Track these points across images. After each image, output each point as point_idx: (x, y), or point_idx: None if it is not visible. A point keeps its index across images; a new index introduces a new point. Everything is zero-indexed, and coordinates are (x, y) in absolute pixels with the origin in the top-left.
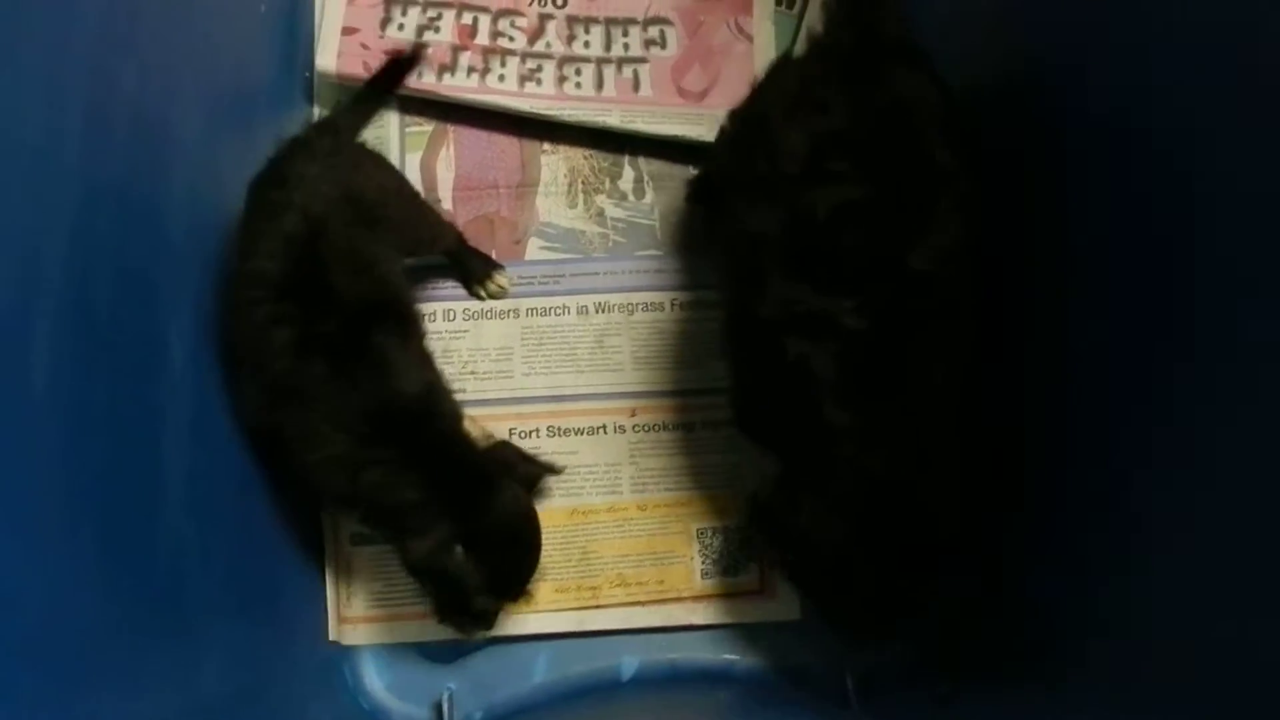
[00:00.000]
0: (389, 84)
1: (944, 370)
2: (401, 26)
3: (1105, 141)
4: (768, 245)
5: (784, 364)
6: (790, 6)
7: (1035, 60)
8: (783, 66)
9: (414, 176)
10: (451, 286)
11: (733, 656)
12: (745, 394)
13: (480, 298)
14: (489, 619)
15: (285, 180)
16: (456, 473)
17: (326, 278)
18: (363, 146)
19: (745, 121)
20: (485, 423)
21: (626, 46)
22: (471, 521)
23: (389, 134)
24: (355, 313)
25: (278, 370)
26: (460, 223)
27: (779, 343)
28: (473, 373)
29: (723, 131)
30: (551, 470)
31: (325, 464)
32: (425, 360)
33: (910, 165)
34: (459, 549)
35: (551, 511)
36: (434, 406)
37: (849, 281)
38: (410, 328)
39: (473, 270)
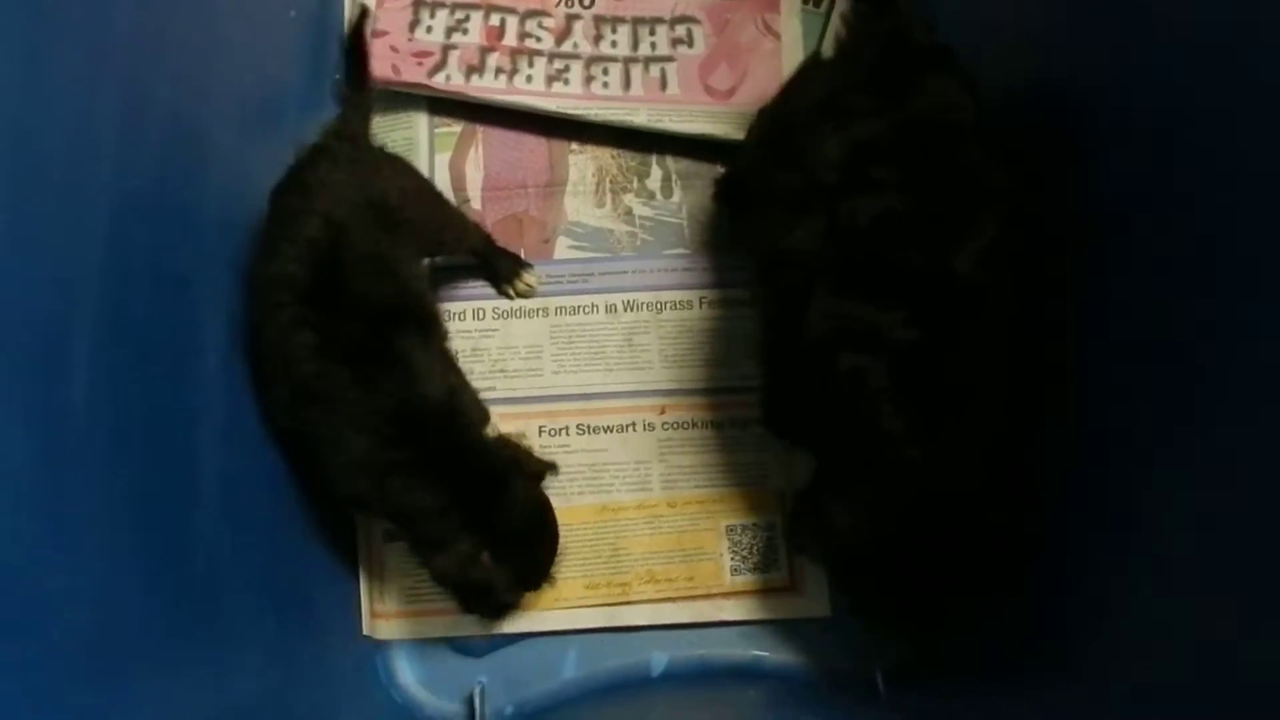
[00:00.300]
0: (360, 76)
1: (994, 374)
2: (430, 29)
3: (1129, 147)
4: (810, 260)
5: (832, 374)
6: (817, 4)
7: (1053, 77)
8: (811, 70)
9: (443, 177)
10: (481, 286)
11: (762, 652)
12: (779, 397)
13: (509, 296)
14: (513, 608)
15: (307, 187)
16: (474, 476)
17: (348, 283)
18: (383, 150)
19: (774, 124)
20: (515, 420)
21: (654, 45)
22: (491, 525)
23: (418, 135)
24: (377, 317)
25: (303, 374)
26: (489, 222)
27: (827, 356)
28: (502, 371)
29: (751, 131)
30: (553, 469)
31: (350, 467)
32: (448, 363)
33: (948, 173)
34: (484, 555)
35: (581, 508)
36: (456, 411)
37: (897, 293)
38: (432, 330)
39: (501, 269)
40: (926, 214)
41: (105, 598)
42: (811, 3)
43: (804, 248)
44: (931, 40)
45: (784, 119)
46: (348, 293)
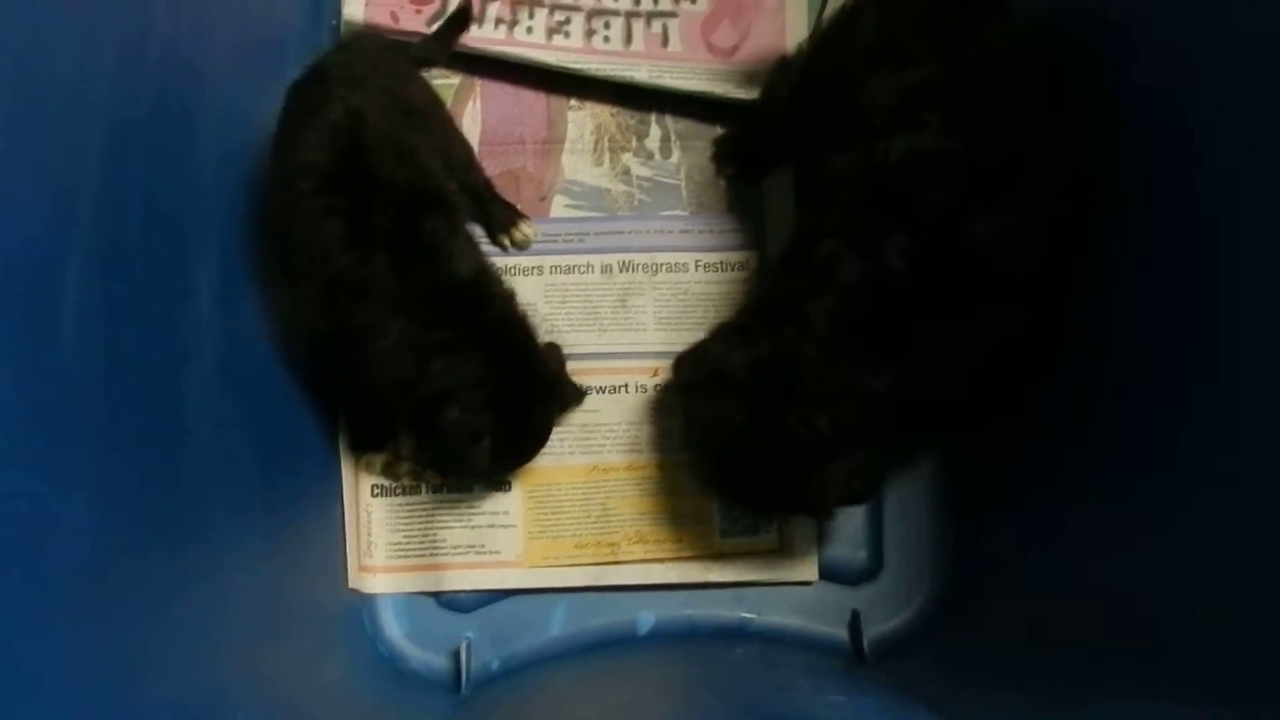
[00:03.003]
0: (444, 46)
1: (969, 338)
2: None
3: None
4: (840, 178)
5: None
6: None
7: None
8: (854, 16)
9: None
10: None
11: (749, 614)
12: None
13: (504, 247)
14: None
15: (325, 75)
16: (515, 364)
17: (372, 168)
18: (409, 62)
19: (812, 75)
20: None
21: (656, 1)
22: (511, 414)
23: None
24: (403, 201)
25: (338, 264)
26: None
27: (833, 252)
28: None
29: (774, 84)
30: (582, 397)
31: (392, 353)
32: (473, 246)
33: (1001, 127)
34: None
35: (572, 468)
36: (488, 288)
37: (909, 222)
38: (455, 217)
39: (496, 217)
40: (965, 164)
41: (96, 535)
42: None
43: (837, 168)
44: None
45: (827, 65)
46: (372, 178)
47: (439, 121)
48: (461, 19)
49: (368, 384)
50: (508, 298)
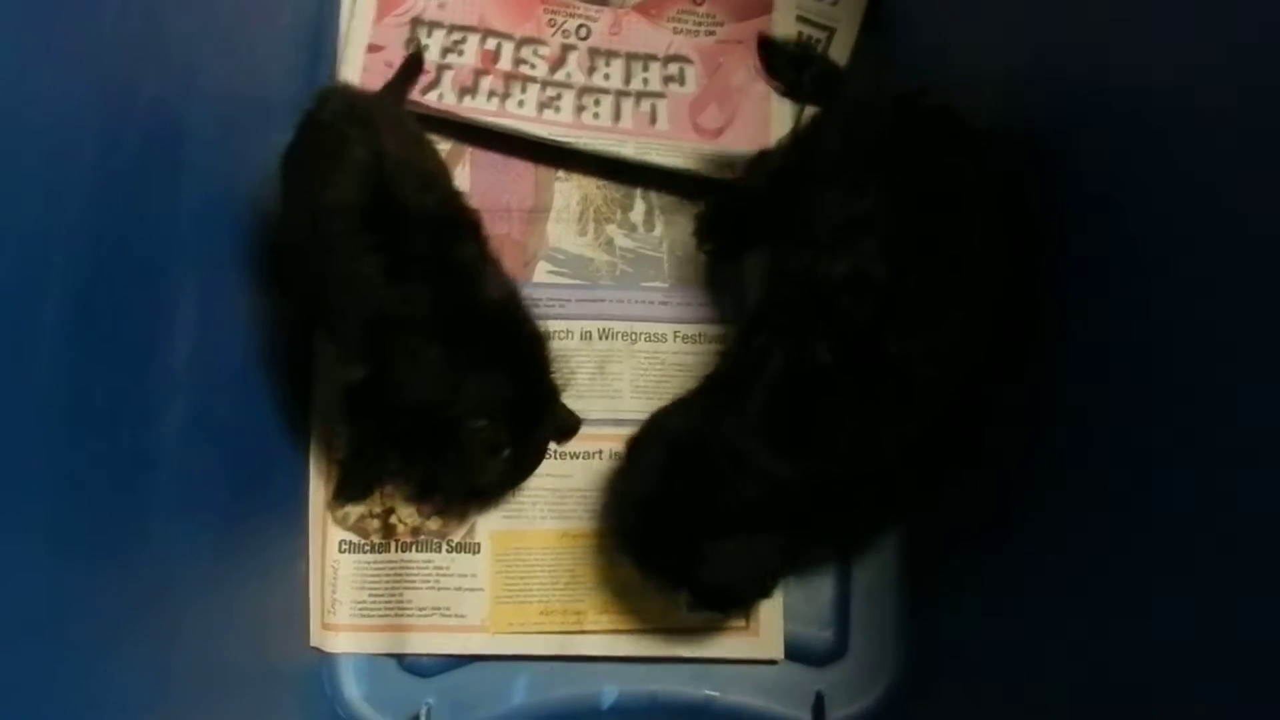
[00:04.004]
0: (399, 92)
1: (882, 443)
2: (426, 47)
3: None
4: (786, 277)
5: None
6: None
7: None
8: (825, 125)
9: None
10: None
11: (713, 692)
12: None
13: None
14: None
15: (329, 122)
16: (533, 387)
17: (401, 198)
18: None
19: (784, 171)
20: None
21: (646, 81)
22: (523, 433)
23: None
24: (435, 229)
25: (381, 299)
26: None
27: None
28: None
29: (752, 174)
30: (578, 425)
31: (428, 378)
32: (500, 268)
33: (931, 260)
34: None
35: (543, 533)
36: (517, 310)
37: (834, 331)
38: (482, 238)
39: None
40: (890, 287)
41: (51, 579)
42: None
43: (785, 272)
44: (945, 107)
45: (796, 166)
46: (404, 209)
47: (440, 162)
48: (412, 67)
49: (399, 410)
50: (534, 320)
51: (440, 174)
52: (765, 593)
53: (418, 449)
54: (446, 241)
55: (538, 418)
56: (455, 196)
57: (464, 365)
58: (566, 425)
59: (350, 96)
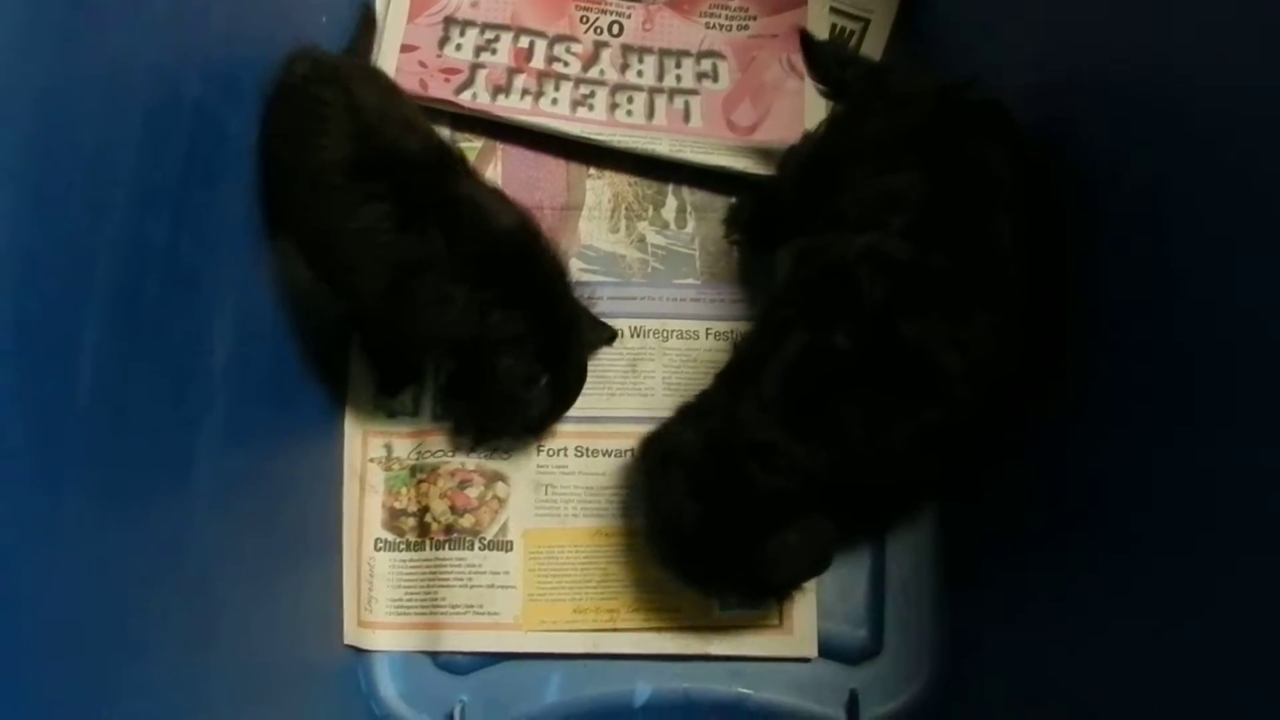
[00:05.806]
0: (362, 50)
1: (902, 431)
2: (459, 46)
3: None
4: (806, 258)
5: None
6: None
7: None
8: (862, 113)
9: None
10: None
11: (746, 690)
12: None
13: None
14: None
15: (299, 87)
16: (558, 314)
17: (391, 144)
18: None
19: (817, 160)
20: None
21: (679, 78)
22: (556, 361)
23: None
24: (428, 168)
25: (395, 246)
26: None
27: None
28: None
29: (785, 167)
30: (614, 335)
31: (456, 316)
32: (502, 193)
33: (958, 244)
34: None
35: (576, 531)
36: (532, 237)
37: (849, 310)
38: (473, 170)
39: None
40: (911, 268)
41: (93, 584)
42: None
43: (806, 253)
44: (981, 97)
45: (830, 154)
46: (393, 154)
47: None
48: (367, 24)
49: (428, 350)
50: (549, 244)
51: (419, 119)
52: (826, 567)
53: (460, 395)
54: (446, 179)
55: (566, 345)
56: (438, 139)
57: (488, 301)
58: (600, 340)
59: (315, 57)
